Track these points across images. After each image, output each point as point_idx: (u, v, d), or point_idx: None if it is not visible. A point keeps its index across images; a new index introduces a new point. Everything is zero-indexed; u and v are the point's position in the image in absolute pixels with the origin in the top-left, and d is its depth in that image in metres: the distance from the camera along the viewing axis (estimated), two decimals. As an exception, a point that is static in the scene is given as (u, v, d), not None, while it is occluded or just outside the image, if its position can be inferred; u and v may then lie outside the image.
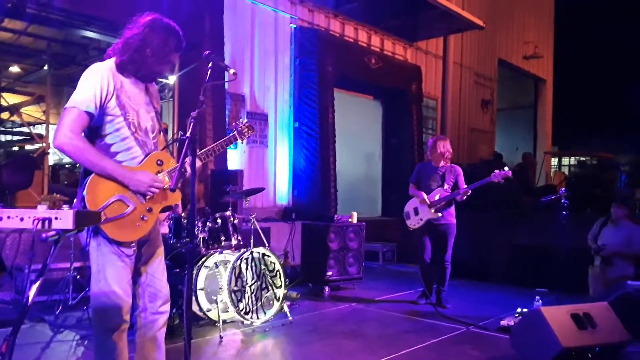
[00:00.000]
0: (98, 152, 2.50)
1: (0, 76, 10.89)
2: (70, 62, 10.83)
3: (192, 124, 2.51)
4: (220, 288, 4.71)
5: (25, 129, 10.68)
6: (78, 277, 5.12)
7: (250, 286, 4.82)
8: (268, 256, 5.02)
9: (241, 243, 5.00)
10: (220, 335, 4.47)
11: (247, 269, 4.83)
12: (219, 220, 4.97)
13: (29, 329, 4.53)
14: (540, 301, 4.99)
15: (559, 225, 5.30)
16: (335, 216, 6.88)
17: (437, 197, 5.66)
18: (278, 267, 5.06)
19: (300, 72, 8.81)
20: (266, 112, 8.42)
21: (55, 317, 4.80)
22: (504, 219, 8.16)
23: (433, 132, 12.07)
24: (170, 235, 4.88)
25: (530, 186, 12.98)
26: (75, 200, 2.56)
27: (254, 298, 4.84)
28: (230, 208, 5.12)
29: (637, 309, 4.53)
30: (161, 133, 2.84)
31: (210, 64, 2.69)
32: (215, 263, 4.80)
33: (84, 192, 2.44)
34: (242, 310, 4.71)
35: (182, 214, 4.87)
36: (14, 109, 10.42)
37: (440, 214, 5.65)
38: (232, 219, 5.01)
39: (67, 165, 11.65)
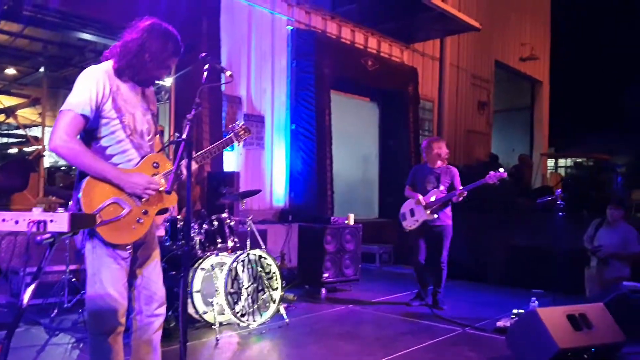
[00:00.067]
0: (93, 154, 2.50)
1: (-4, 78, 10.89)
2: (66, 65, 10.83)
3: (188, 126, 2.51)
4: (217, 290, 4.70)
5: (21, 132, 10.64)
6: (74, 279, 5.11)
7: (246, 288, 4.81)
8: (264, 258, 5.02)
9: (237, 245, 5.00)
10: (217, 338, 4.47)
11: (243, 271, 4.82)
12: (215, 223, 4.97)
13: (24, 332, 4.52)
14: (536, 302, 5.00)
15: (555, 226, 5.31)
16: (332, 218, 6.88)
17: (432, 199, 5.67)
18: (274, 269, 5.06)
19: (297, 74, 8.81)
20: (263, 114, 8.42)
21: (51, 320, 4.78)
22: (501, 220, 8.18)
23: (430, 134, 12.08)
24: (167, 237, 4.88)
25: (527, 187, 13.01)
26: (70, 202, 2.56)
27: (250, 300, 4.83)
28: (226, 210, 5.11)
29: (633, 310, 4.54)
30: (157, 135, 2.84)
31: (206, 66, 2.69)
32: (212, 265, 4.80)
33: (80, 195, 2.44)
34: (238, 312, 4.70)
35: (179, 217, 4.87)
36: (9, 112, 10.39)
37: (436, 215, 5.66)
38: (228, 221, 5.00)
39: (62, 168, 11.63)
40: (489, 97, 14.44)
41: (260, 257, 4.98)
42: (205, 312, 4.71)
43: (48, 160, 10.60)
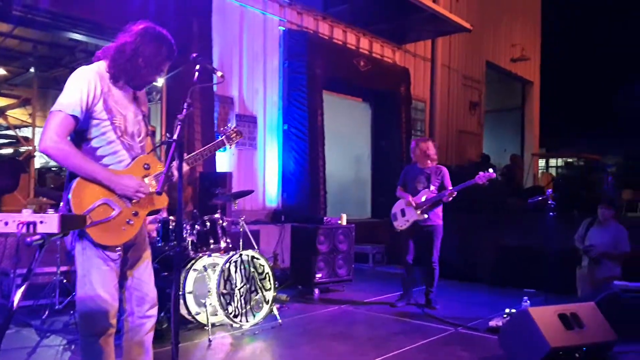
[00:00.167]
0: (84, 155, 2.48)
1: (-15, 79, 10.81)
2: (56, 65, 10.77)
3: (179, 126, 2.50)
4: (209, 291, 4.69)
5: (11, 132, 10.56)
6: (65, 281, 5.08)
7: (239, 289, 4.80)
8: (257, 259, 5.01)
9: (230, 246, 4.99)
10: (209, 339, 4.46)
11: (236, 271, 4.81)
12: (208, 223, 4.95)
13: (14, 333, 4.49)
14: (528, 302, 5.02)
15: (546, 226, 5.34)
16: (325, 218, 6.88)
17: (423, 199, 5.69)
18: (267, 269, 5.05)
19: (289, 74, 8.80)
20: (255, 114, 8.41)
21: (42, 321, 4.75)
22: (492, 220, 8.22)
23: (422, 134, 12.11)
24: (158, 238, 4.86)
25: (518, 187, 13.08)
26: (61, 203, 2.54)
27: (243, 301, 4.82)
28: (219, 211, 5.10)
29: (624, 309, 4.57)
30: (149, 136, 2.83)
31: (197, 67, 2.69)
32: (204, 266, 4.78)
33: (70, 196, 2.42)
34: (231, 313, 4.69)
35: (171, 217, 4.85)
36: (-1, 112, 10.32)
37: (426, 215, 5.68)
38: (220, 221, 4.99)
39: (53, 169, 11.54)
40: (480, 97, 14.51)
41: (252, 257, 4.97)
42: (197, 313, 4.70)
43: (39, 161, 10.53)
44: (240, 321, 4.77)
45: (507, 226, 7.85)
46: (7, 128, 10.45)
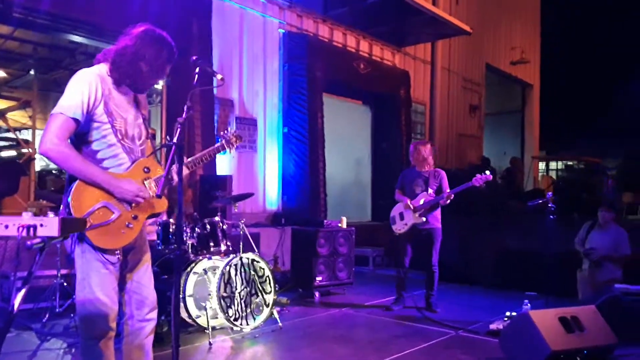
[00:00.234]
0: (84, 158, 2.48)
1: (-15, 81, 10.82)
2: (56, 67, 10.78)
3: (178, 129, 2.49)
4: (209, 294, 4.68)
5: (11, 135, 10.57)
6: (65, 284, 5.07)
7: (239, 292, 4.79)
8: (257, 262, 5.00)
9: (230, 249, 4.98)
10: (210, 342, 4.45)
11: (236, 274, 4.81)
12: (208, 226, 4.94)
13: (15, 337, 4.47)
14: (529, 305, 5.01)
15: (546, 229, 5.34)
16: (325, 221, 6.87)
17: (421, 202, 5.69)
18: (267, 272, 5.04)
19: (289, 77, 8.81)
20: (255, 117, 8.41)
21: (42, 325, 4.74)
22: (493, 223, 8.21)
23: (422, 137, 12.12)
24: (158, 241, 4.85)
25: (518, 190, 13.08)
26: (61, 206, 2.54)
27: (243, 304, 4.81)
28: (219, 214, 5.10)
29: (625, 312, 4.56)
30: (148, 139, 2.83)
31: (197, 70, 2.69)
32: (204, 269, 4.78)
33: (69, 199, 2.42)
34: (231, 316, 4.68)
35: (171, 220, 4.84)
36: (-1, 115, 10.32)
37: (424, 219, 5.68)
38: (221, 224, 4.98)
39: (53, 171, 11.54)
40: (480, 100, 14.52)
41: (253, 260, 4.97)
42: (198, 316, 4.69)
43: (39, 164, 10.54)
44: (241, 324, 4.76)
45: (507, 229, 7.84)
46: (7, 130, 10.46)
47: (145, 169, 2.66)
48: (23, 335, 4.56)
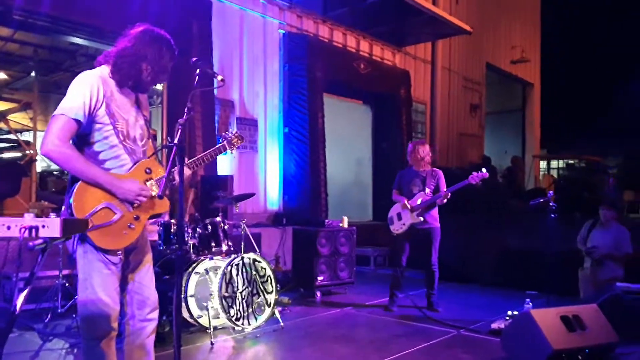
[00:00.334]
0: (86, 159, 2.49)
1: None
2: (57, 69, 10.79)
3: (179, 130, 2.51)
4: (211, 294, 4.69)
5: (12, 136, 10.58)
6: (67, 284, 5.08)
7: (241, 292, 4.80)
8: (259, 262, 5.01)
9: (232, 249, 4.99)
10: (211, 342, 4.45)
11: (237, 274, 4.81)
12: (209, 226, 4.95)
13: (17, 337, 4.49)
14: (530, 304, 5.01)
15: (547, 227, 5.34)
16: (326, 221, 6.88)
17: (419, 202, 5.69)
18: (269, 272, 5.05)
19: (290, 77, 8.82)
20: (256, 117, 8.42)
21: (44, 325, 4.75)
22: (494, 222, 8.21)
23: (422, 136, 12.12)
24: (160, 242, 4.85)
25: (519, 189, 13.07)
26: (63, 207, 2.55)
27: (245, 304, 4.82)
28: (220, 214, 5.10)
29: (626, 311, 4.57)
30: (150, 140, 2.84)
31: (197, 71, 2.69)
32: (206, 269, 4.78)
33: (71, 200, 2.43)
34: (233, 316, 4.69)
35: (172, 221, 4.85)
36: (0, 116, 10.34)
37: (422, 218, 5.68)
38: (222, 224, 4.99)
39: (55, 172, 11.56)
40: (480, 99, 14.51)
41: (254, 260, 4.97)
42: (199, 316, 4.70)
43: (40, 165, 10.55)
44: (242, 324, 4.76)
45: (508, 228, 7.84)
46: (8, 132, 10.48)
47: (147, 170, 2.67)
48: (25, 335, 4.57)
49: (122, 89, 2.64)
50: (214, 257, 4.89)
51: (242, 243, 5.00)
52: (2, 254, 5.21)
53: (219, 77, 2.74)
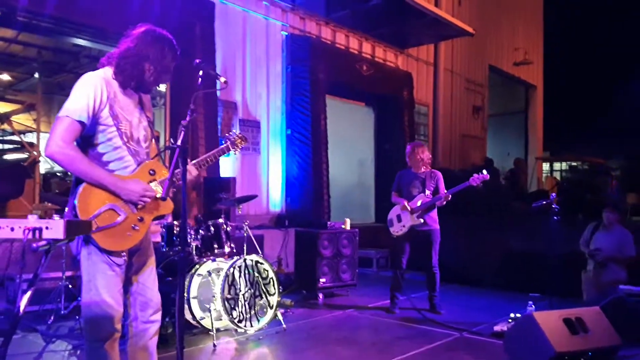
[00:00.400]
0: (90, 161, 2.50)
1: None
2: (60, 70, 10.82)
3: (182, 132, 2.51)
4: (214, 296, 4.69)
5: (15, 138, 10.61)
6: (70, 286, 5.09)
7: (243, 294, 4.80)
8: (261, 263, 5.01)
9: (234, 251, 4.99)
10: (214, 344, 4.46)
11: (240, 276, 4.82)
12: (212, 228, 4.96)
13: (21, 339, 4.49)
14: (533, 306, 5.00)
15: (550, 230, 5.33)
16: (329, 223, 6.88)
17: (418, 204, 5.69)
18: (271, 274, 5.05)
19: (292, 79, 8.82)
20: (258, 119, 8.42)
21: (48, 326, 4.76)
22: (496, 224, 8.20)
23: (425, 138, 12.11)
24: (163, 243, 4.86)
25: (522, 191, 13.05)
26: (66, 209, 2.55)
27: (247, 306, 4.82)
28: (223, 215, 5.11)
29: (629, 313, 4.56)
30: (153, 141, 2.84)
31: (200, 73, 2.70)
32: (208, 271, 4.79)
33: (75, 201, 2.43)
34: (235, 318, 4.69)
35: (175, 222, 4.86)
36: (4, 118, 10.37)
37: (422, 220, 5.67)
38: (225, 226, 5.00)
39: (58, 174, 11.58)
40: (483, 101, 14.50)
41: (257, 262, 4.98)
42: (202, 318, 4.70)
43: (44, 167, 10.58)
44: (245, 326, 4.77)
45: (511, 230, 7.83)
46: (12, 133, 10.51)
47: (151, 171, 2.68)
48: (28, 337, 4.57)
49: (126, 90, 2.65)
50: (217, 259, 4.89)
51: (245, 245, 5.00)
52: (6, 256, 5.23)
53: (222, 79, 2.74)
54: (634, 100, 16.52)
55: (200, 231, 4.90)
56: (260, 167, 8.45)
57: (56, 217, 3.65)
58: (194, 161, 2.88)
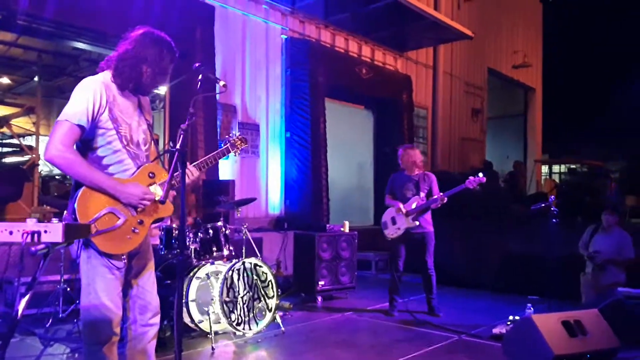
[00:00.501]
0: (89, 165, 2.50)
1: (-10, 88, 10.88)
2: (60, 74, 10.83)
3: (181, 136, 2.52)
4: (212, 299, 4.69)
5: (15, 141, 10.61)
6: (68, 289, 5.08)
7: (242, 297, 4.80)
8: (260, 266, 5.01)
9: (233, 253, 4.99)
10: (212, 347, 4.45)
11: (239, 279, 4.82)
12: (211, 231, 4.96)
13: (19, 342, 4.49)
14: (531, 309, 5.01)
15: (549, 232, 5.34)
16: (328, 225, 6.89)
17: (413, 206, 5.69)
18: (270, 277, 5.05)
19: (292, 82, 8.84)
20: (258, 122, 8.43)
21: (46, 330, 4.75)
22: (495, 226, 8.20)
23: (424, 141, 12.12)
24: (161, 246, 4.86)
25: (521, 194, 13.05)
26: (66, 212, 2.56)
27: (246, 309, 4.82)
28: (222, 218, 5.11)
29: (628, 316, 4.56)
30: (153, 144, 2.85)
31: (200, 76, 2.71)
32: (207, 274, 4.79)
33: (75, 205, 2.44)
34: (234, 321, 4.69)
35: (174, 225, 4.86)
36: (3, 121, 10.36)
37: (417, 223, 5.67)
38: (223, 229, 5.00)
39: (57, 177, 11.58)
40: (482, 104, 14.51)
41: (255, 265, 4.98)
42: (200, 321, 4.70)
43: (42, 170, 10.58)
44: (243, 329, 4.76)
45: (510, 233, 7.84)
46: (11, 137, 10.50)
47: (150, 174, 2.69)
48: (27, 340, 4.58)
49: (125, 93, 2.66)
50: (215, 262, 4.89)
51: (244, 248, 5.01)
52: (4, 259, 5.22)
53: (222, 83, 2.75)
54: (633, 102, 16.54)
55: (199, 234, 4.90)
56: (259, 170, 8.45)
57: (55, 220, 3.66)
58: (194, 163, 2.89)
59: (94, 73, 2.67)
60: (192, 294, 4.67)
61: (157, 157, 2.86)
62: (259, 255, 5.37)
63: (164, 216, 2.74)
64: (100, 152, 2.57)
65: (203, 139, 7.01)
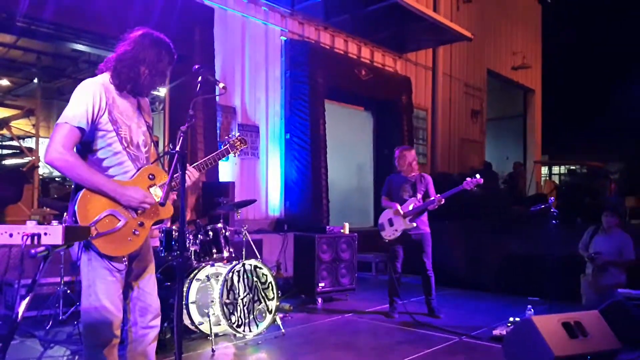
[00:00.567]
0: (89, 167, 2.50)
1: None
2: (60, 75, 10.85)
3: (181, 138, 2.52)
4: (212, 301, 4.69)
5: (15, 143, 10.62)
6: (68, 291, 5.08)
7: (242, 299, 4.80)
8: (260, 268, 5.01)
9: (233, 255, 4.98)
10: (213, 349, 4.45)
11: (239, 281, 4.81)
12: (211, 233, 4.95)
13: (19, 344, 4.48)
14: (532, 310, 5.00)
15: (549, 234, 5.34)
16: (328, 227, 6.89)
17: (410, 207, 5.68)
18: (270, 279, 5.05)
19: (291, 84, 8.85)
20: (257, 123, 8.44)
21: (46, 332, 4.75)
22: (495, 228, 8.20)
23: (424, 143, 12.13)
24: (161, 248, 4.86)
25: (521, 195, 13.06)
26: (66, 214, 2.56)
27: (246, 311, 4.82)
28: (221, 220, 5.11)
29: (628, 317, 4.56)
30: (153, 146, 2.85)
31: (199, 78, 2.71)
32: (207, 276, 4.78)
33: (75, 207, 2.44)
34: (234, 323, 4.69)
35: (174, 227, 4.85)
36: (3, 123, 10.38)
37: (415, 224, 5.67)
38: (223, 231, 4.99)
39: (57, 179, 11.58)
40: (482, 105, 14.53)
41: (255, 267, 4.97)
42: (201, 323, 4.69)
43: (42, 172, 10.58)
44: (244, 331, 4.76)
45: (510, 234, 7.84)
46: (11, 139, 10.51)
47: (150, 176, 2.68)
48: (27, 342, 4.57)
49: (124, 95, 2.66)
50: (215, 264, 4.89)
51: (244, 249, 5.00)
52: (4, 261, 5.22)
53: (221, 85, 2.75)
54: (632, 102, 16.55)
55: (199, 236, 4.90)
56: (259, 172, 8.46)
57: (55, 222, 3.66)
58: (194, 164, 2.89)
59: (93, 75, 2.67)
60: (192, 296, 4.67)
61: (157, 158, 2.86)
62: (259, 257, 5.36)
63: (164, 218, 2.74)
64: (100, 154, 2.57)
65: (203, 141, 7.01)
